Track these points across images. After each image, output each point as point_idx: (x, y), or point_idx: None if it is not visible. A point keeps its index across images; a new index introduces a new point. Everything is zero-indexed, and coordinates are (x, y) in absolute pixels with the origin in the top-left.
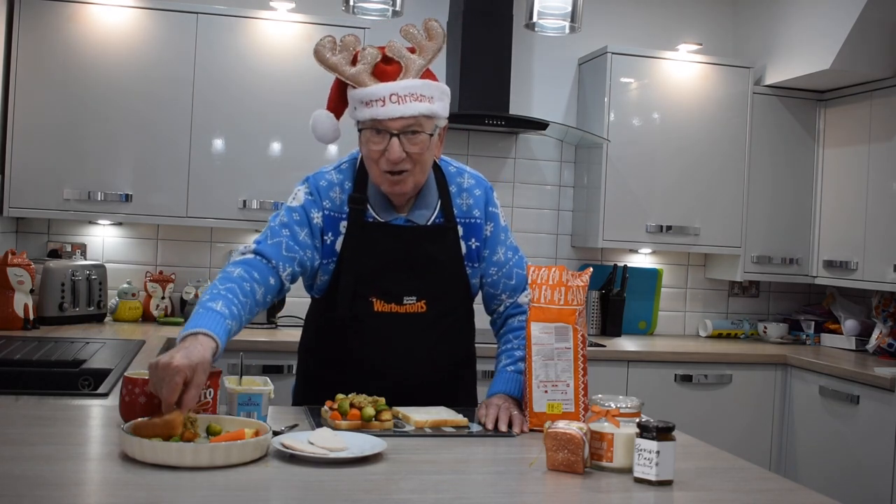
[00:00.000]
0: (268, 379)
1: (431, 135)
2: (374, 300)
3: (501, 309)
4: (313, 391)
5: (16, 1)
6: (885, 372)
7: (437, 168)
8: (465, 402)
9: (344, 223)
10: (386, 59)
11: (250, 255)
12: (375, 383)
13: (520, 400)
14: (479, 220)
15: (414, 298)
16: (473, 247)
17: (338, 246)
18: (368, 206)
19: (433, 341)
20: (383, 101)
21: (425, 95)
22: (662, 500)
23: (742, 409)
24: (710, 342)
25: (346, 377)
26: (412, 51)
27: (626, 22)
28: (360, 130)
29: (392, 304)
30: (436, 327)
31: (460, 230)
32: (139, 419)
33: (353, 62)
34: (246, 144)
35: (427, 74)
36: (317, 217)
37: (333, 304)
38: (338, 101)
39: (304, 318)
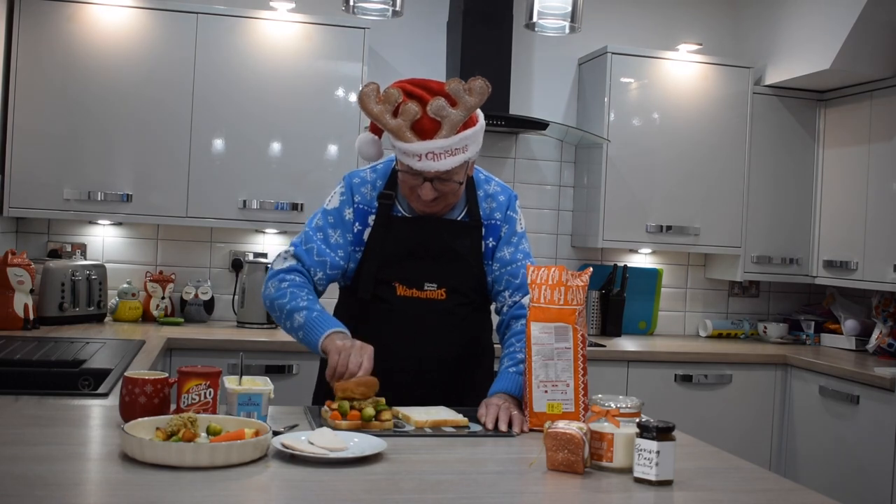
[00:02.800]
0: (268, 379)
1: (461, 183)
2: (397, 284)
3: (505, 309)
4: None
5: (16, 1)
6: (885, 372)
7: None
8: (474, 403)
9: (372, 217)
10: (425, 117)
11: (292, 261)
12: (396, 369)
13: (520, 399)
14: (498, 222)
15: (435, 286)
16: (491, 245)
17: (365, 236)
18: (396, 203)
19: (451, 327)
20: (420, 158)
21: (459, 149)
22: (662, 500)
23: (742, 409)
24: (710, 342)
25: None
26: (452, 103)
27: (626, 22)
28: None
29: (413, 289)
30: (454, 314)
31: (483, 230)
32: (341, 382)
33: (395, 113)
34: (246, 144)
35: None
36: (349, 213)
37: (357, 290)
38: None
39: None
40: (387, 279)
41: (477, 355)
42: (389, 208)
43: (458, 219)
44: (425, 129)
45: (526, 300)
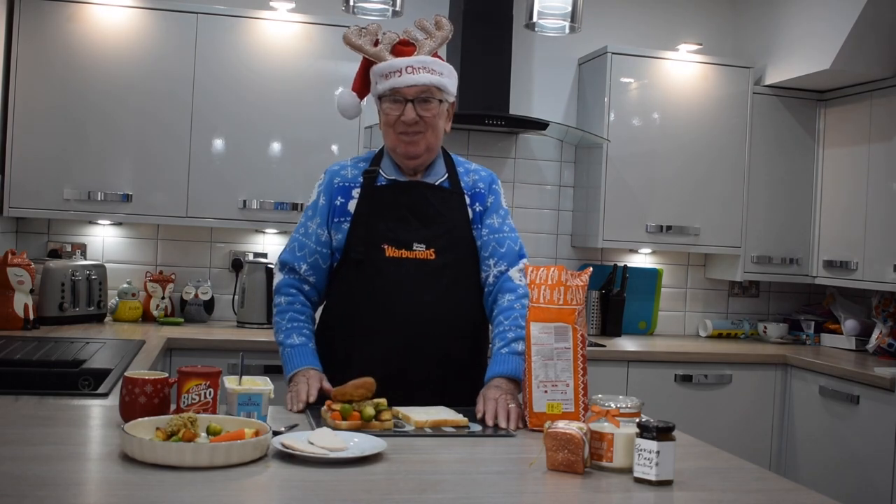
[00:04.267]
0: (268, 379)
1: (441, 101)
2: (386, 246)
3: (491, 279)
4: (328, 355)
5: (16, 1)
6: (885, 372)
7: (446, 153)
8: (474, 402)
9: (356, 190)
10: (403, 42)
11: (280, 276)
12: (389, 334)
13: (518, 380)
14: (483, 191)
15: (423, 246)
16: (478, 210)
17: (350, 207)
18: (380, 173)
19: (442, 287)
20: (400, 72)
21: (436, 70)
22: (662, 500)
23: (742, 409)
24: (710, 342)
25: (361, 327)
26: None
27: (626, 22)
28: (379, 101)
29: (402, 249)
30: (444, 273)
31: (467, 199)
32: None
33: (375, 45)
34: (246, 144)
35: (437, 58)
36: (322, 200)
37: (349, 256)
38: (362, 86)
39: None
40: (375, 242)
41: (475, 355)
42: (374, 180)
43: (438, 183)
44: (403, 51)
45: (513, 272)
